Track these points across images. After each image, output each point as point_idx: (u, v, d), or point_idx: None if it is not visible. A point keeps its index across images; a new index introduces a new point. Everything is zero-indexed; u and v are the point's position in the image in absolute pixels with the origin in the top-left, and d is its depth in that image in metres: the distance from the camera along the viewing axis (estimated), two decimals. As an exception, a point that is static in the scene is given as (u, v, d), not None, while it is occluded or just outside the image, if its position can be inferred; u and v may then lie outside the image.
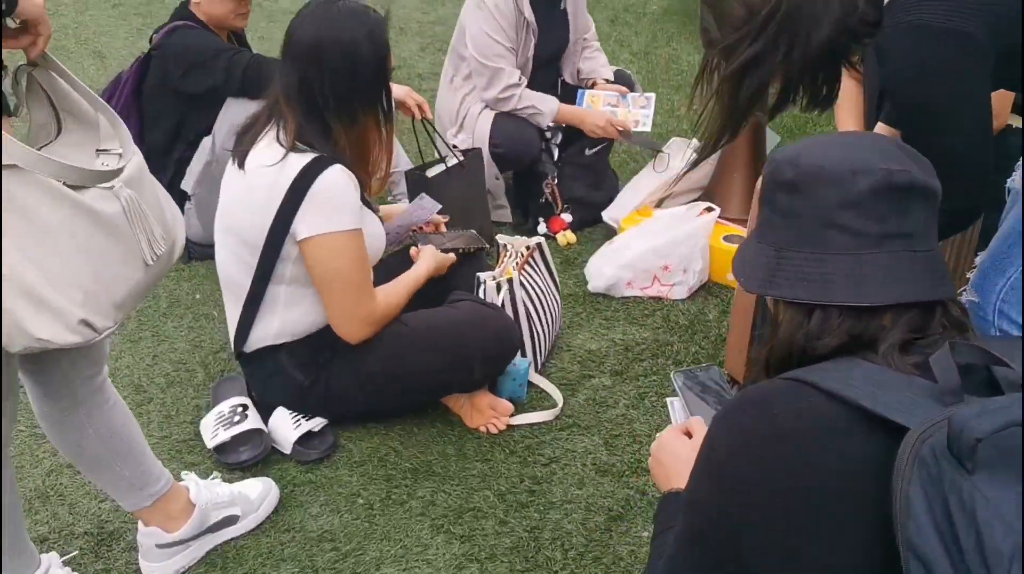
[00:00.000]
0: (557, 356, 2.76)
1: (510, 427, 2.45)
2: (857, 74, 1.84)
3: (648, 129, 3.47)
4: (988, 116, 1.70)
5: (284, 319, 2.25)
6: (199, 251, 3.24)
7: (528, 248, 2.70)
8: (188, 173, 3.18)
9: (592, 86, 3.55)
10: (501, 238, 2.77)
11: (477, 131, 3.41)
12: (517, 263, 2.62)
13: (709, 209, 3.15)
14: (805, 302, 1.20)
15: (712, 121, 1.77)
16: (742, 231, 3.20)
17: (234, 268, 2.24)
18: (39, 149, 1.53)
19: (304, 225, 2.10)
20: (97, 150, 1.60)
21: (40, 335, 1.44)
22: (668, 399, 1.60)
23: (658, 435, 1.56)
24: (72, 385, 1.78)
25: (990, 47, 1.63)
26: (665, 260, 3.01)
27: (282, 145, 2.11)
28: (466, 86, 3.48)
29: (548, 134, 3.51)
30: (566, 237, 3.43)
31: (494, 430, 2.43)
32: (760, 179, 1.33)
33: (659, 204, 3.44)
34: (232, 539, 2.14)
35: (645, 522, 2.15)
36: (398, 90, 2.97)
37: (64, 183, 1.43)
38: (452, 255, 2.53)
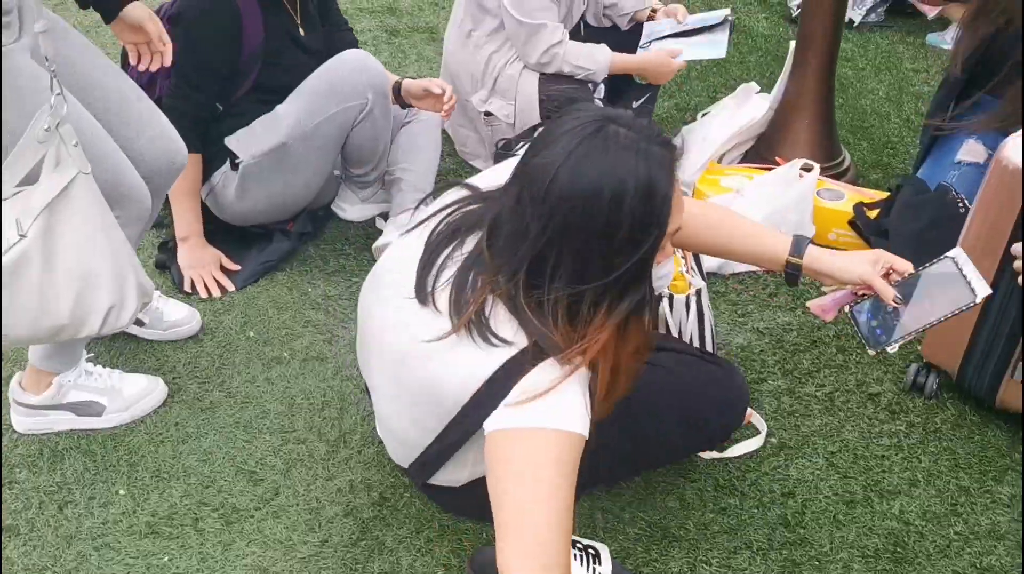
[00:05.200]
0: (708, 359, 2.45)
1: (714, 461, 2.12)
2: None
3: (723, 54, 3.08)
4: None
5: (475, 471, 1.72)
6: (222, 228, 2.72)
7: (684, 246, 2.34)
8: (241, 135, 2.57)
9: (651, 18, 3.14)
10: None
11: (521, 97, 2.96)
12: (685, 265, 2.26)
13: (806, 167, 2.87)
14: None
15: None
16: (831, 184, 2.95)
17: (409, 426, 1.72)
18: None
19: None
20: None
21: None
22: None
23: None
24: None
25: None
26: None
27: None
28: (491, 43, 3.00)
29: (592, 89, 3.11)
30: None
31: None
32: None
33: (720, 159, 3.13)
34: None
35: (931, 555, 1.93)
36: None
37: None
38: None
